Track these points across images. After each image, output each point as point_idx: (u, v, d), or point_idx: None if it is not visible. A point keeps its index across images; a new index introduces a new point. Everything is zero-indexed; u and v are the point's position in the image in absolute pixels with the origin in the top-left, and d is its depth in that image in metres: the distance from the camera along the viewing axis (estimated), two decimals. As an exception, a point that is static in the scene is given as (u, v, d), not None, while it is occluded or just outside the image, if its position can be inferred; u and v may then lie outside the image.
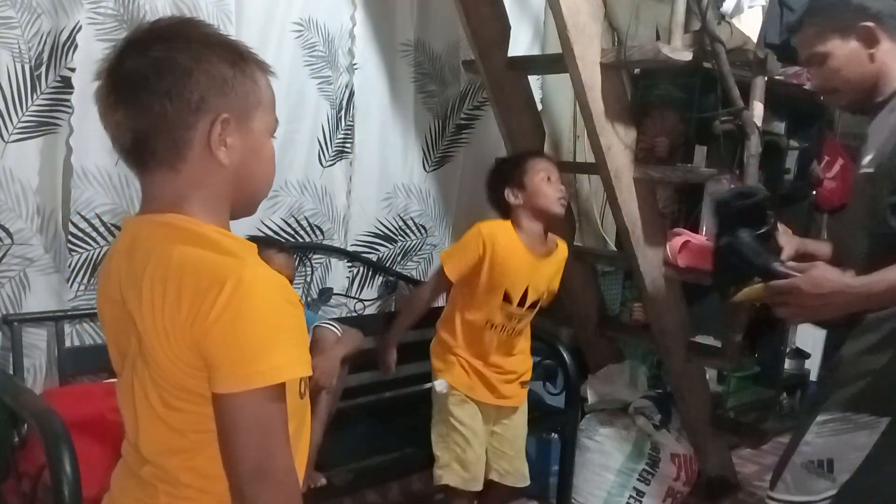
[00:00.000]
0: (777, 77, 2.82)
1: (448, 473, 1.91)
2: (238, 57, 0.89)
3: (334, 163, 2.37)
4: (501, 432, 2.05)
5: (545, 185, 1.92)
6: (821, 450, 1.56)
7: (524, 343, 2.07)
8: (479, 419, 1.97)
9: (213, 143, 0.87)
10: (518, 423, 2.08)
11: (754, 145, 2.12)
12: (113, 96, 0.86)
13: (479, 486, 1.93)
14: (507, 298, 1.94)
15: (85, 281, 1.89)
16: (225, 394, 0.82)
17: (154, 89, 0.84)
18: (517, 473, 2.04)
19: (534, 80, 2.64)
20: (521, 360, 2.06)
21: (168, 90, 0.84)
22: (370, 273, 2.51)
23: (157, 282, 0.84)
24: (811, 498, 1.58)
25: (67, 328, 1.87)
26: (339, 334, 1.91)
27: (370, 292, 2.52)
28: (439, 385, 1.96)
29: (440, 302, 2.50)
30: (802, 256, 1.61)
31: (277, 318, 0.83)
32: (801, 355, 3.24)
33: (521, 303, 1.96)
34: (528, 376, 2.09)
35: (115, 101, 0.86)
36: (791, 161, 3.14)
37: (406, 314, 1.96)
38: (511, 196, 1.94)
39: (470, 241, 1.91)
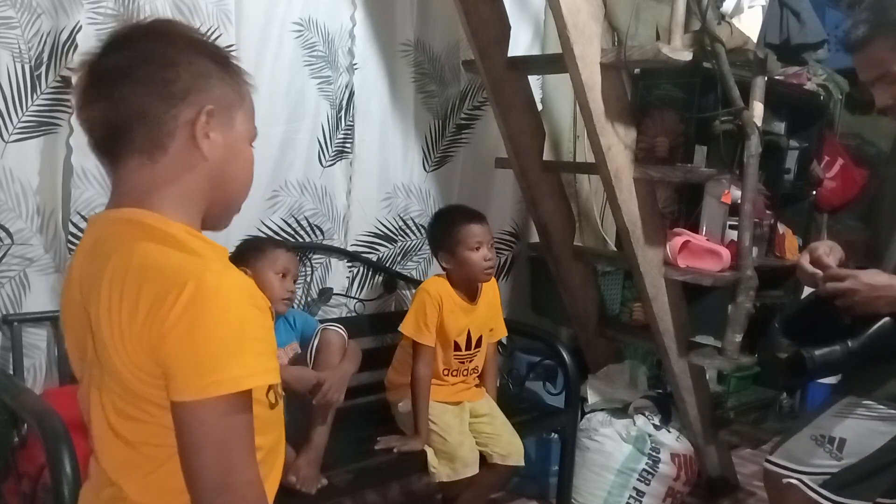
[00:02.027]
0: (777, 77, 2.83)
1: (439, 469, 1.96)
2: (222, 57, 0.90)
3: (334, 163, 2.37)
4: (484, 418, 2.12)
5: (474, 255, 2.05)
6: (837, 428, 1.59)
7: (480, 363, 2.20)
8: (449, 412, 2.06)
9: (198, 132, 0.85)
10: (491, 404, 2.18)
11: (754, 145, 2.12)
12: (95, 88, 0.84)
13: (472, 471, 1.97)
14: (456, 348, 2.10)
15: (85, 281, 1.89)
16: (183, 402, 0.78)
17: (137, 78, 0.83)
18: (516, 452, 2.08)
19: (534, 80, 2.64)
20: (476, 374, 2.21)
21: (152, 79, 0.83)
22: (370, 273, 2.51)
23: (116, 282, 0.81)
24: (807, 469, 1.61)
25: (67, 328, 1.87)
26: (345, 336, 1.92)
27: (370, 292, 2.53)
28: (402, 406, 2.07)
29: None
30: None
31: (240, 324, 0.79)
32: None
33: (469, 346, 2.13)
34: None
35: (97, 92, 0.84)
36: (791, 161, 3.16)
37: (421, 399, 2.00)
38: (443, 261, 2.11)
39: (425, 303, 2.04)
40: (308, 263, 2.34)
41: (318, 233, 2.36)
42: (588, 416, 2.52)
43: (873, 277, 1.45)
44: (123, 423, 0.85)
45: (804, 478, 1.61)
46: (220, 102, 0.87)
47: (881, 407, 1.54)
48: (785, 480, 1.63)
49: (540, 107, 2.69)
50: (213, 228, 0.94)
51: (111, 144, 0.86)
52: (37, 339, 1.85)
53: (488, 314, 2.19)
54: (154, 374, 0.80)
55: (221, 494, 0.80)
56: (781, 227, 3.12)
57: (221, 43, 2.03)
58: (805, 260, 1.55)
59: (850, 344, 1.47)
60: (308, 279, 2.34)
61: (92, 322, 0.84)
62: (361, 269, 2.49)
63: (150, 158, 0.85)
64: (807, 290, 3.15)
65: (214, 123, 0.87)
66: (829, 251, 1.55)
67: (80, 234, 1.85)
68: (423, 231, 2.59)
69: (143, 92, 0.83)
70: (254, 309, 0.81)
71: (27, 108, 1.77)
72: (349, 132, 2.38)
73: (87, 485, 0.97)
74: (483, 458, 2.03)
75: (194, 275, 0.78)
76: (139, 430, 0.84)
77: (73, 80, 1.76)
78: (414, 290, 2.35)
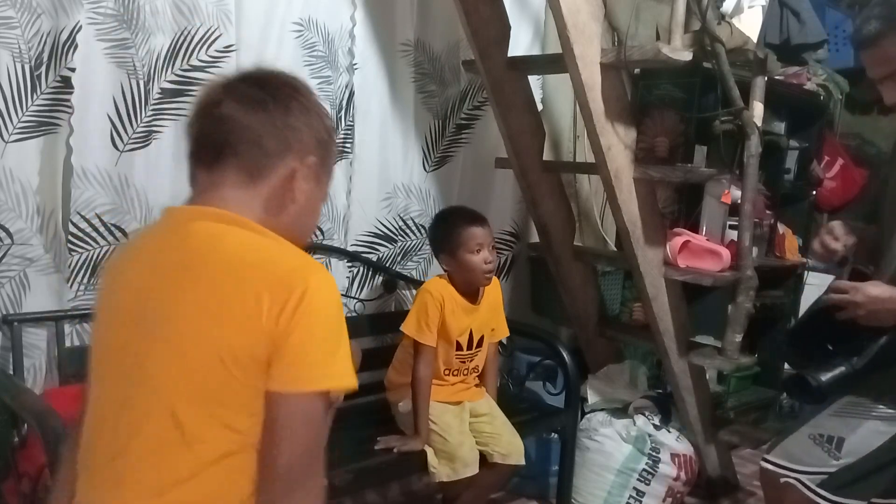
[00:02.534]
0: (777, 77, 2.83)
1: (439, 469, 1.96)
2: (332, 130, 1.03)
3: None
4: (484, 417, 2.12)
5: (474, 258, 2.05)
6: (836, 427, 1.59)
7: (481, 363, 2.20)
8: (450, 412, 2.06)
9: (299, 178, 0.96)
10: (491, 404, 2.19)
11: (754, 145, 2.12)
12: (225, 107, 0.94)
13: (472, 471, 1.97)
14: (458, 347, 2.10)
15: (85, 281, 1.89)
16: (286, 393, 0.84)
17: (268, 114, 0.94)
18: (516, 452, 2.09)
19: (534, 80, 2.64)
20: (476, 374, 2.20)
21: (278, 121, 0.95)
22: (370, 273, 2.51)
23: (229, 271, 0.88)
24: (805, 468, 1.60)
25: (67, 328, 1.87)
26: None
27: (370, 292, 2.53)
28: (402, 406, 2.08)
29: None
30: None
31: (343, 324, 0.89)
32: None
33: (470, 346, 2.12)
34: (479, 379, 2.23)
35: (227, 111, 0.94)
36: (791, 161, 3.16)
37: (421, 399, 2.00)
38: (444, 263, 2.11)
39: (427, 303, 2.03)
40: (308, 263, 2.33)
41: (318, 233, 2.36)
42: (588, 416, 2.52)
43: (875, 290, 1.44)
44: (184, 410, 0.86)
45: (802, 477, 1.60)
46: (321, 161, 1.00)
47: (880, 407, 1.54)
48: (783, 480, 1.63)
49: (540, 107, 2.69)
50: None
51: (218, 155, 0.95)
52: (37, 339, 1.85)
53: (490, 314, 2.19)
54: (257, 360, 0.85)
55: (297, 490, 0.85)
56: (781, 227, 3.12)
57: (221, 43, 2.05)
58: (826, 236, 1.56)
59: (854, 362, 1.47)
60: (308, 279, 2.34)
61: (165, 309, 0.89)
62: (361, 269, 2.49)
63: (250, 179, 0.95)
64: (807, 292, 3.15)
65: (309, 176, 0.98)
66: (845, 232, 1.55)
67: (79, 233, 1.86)
68: (423, 231, 2.59)
69: (267, 127, 0.94)
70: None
71: (27, 108, 1.77)
72: (349, 132, 2.37)
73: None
74: (483, 458, 2.03)
75: (313, 273, 0.88)
76: (201, 423, 0.86)
77: (73, 80, 1.78)
78: (414, 290, 2.36)
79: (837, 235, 1.55)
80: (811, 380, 1.48)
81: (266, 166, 0.95)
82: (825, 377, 1.48)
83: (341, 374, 0.87)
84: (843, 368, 1.48)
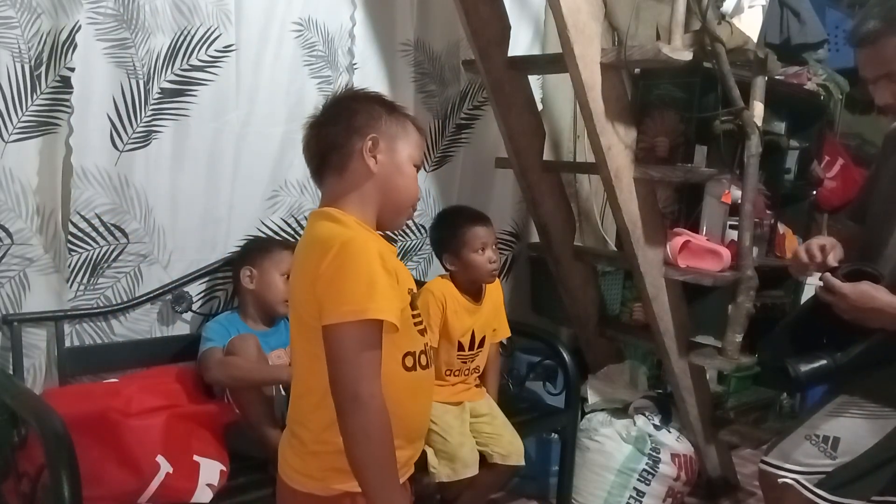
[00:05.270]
0: (777, 77, 2.82)
1: (439, 469, 1.96)
2: (393, 108, 1.26)
3: (334, 163, 2.37)
4: (484, 417, 2.12)
5: (478, 257, 2.07)
6: (831, 427, 1.59)
7: (482, 364, 2.20)
8: (450, 413, 2.06)
9: (365, 154, 1.20)
10: (491, 404, 2.19)
11: (754, 145, 2.12)
12: (310, 134, 1.25)
13: (472, 472, 1.97)
14: (459, 347, 2.11)
15: (84, 281, 1.89)
16: (327, 325, 1.09)
17: (333, 123, 1.23)
18: (516, 452, 2.09)
19: (534, 80, 2.64)
20: (477, 374, 2.21)
21: (341, 123, 1.22)
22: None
23: (306, 249, 1.19)
24: (802, 468, 1.61)
25: (67, 328, 1.87)
26: None
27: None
28: None
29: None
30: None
31: (368, 274, 1.10)
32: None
33: (472, 346, 2.13)
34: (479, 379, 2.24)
35: (310, 136, 1.25)
36: (791, 161, 3.16)
37: None
38: (448, 263, 2.12)
39: (428, 303, 2.04)
40: (308, 263, 2.33)
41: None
42: (588, 416, 2.52)
43: (858, 292, 1.43)
44: (304, 355, 1.20)
45: (800, 477, 1.60)
46: (385, 134, 1.22)
47: (874, 406, 1.54)
48: (781, 480, 1.63)
49: (540, 107, 2.69)
50: (388, 228, 1.29)
51: (320, 168, 1.24)
52: (37, 339, 1.85)
53: (492, 314, 2.19)
54: (315, 307, 1.11)
55: (353, 401, 1.08)
56: (782, 227, 3.12)
57: (221, 43, 2.04)
58: (801, 251, 1.55)
59: (837, 357, 1.47)
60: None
61: (293, 281, 1.24)
62: (361, 269, 2.48)
63: (339, 175, 1.22)
64: (807, 292, 3.15)
65: (380, 149, 1.21)
66: (831, 247, 1.54)
67: (79, 233, 1.86)
68: (423, 231, 2.59)
69: (335, 131, 1.22)
70: (382, 269, 1.12)
71: (27, 108, 1.77)
72: (349, 132, 2.37)
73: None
74: (483, 459, 2.03)
75: (340, 238, 1.12)
76: (312, 362, 1.15)
77: (73, 79, 1.78)
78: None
79: (828, 249, 1.53)
80: (790, 369, 1.49)
81: (345, 159, 1.21)
82: (804, 368, 1.49)
83: (362, 310, 1.08)
84: (823, 362, 1.48)
